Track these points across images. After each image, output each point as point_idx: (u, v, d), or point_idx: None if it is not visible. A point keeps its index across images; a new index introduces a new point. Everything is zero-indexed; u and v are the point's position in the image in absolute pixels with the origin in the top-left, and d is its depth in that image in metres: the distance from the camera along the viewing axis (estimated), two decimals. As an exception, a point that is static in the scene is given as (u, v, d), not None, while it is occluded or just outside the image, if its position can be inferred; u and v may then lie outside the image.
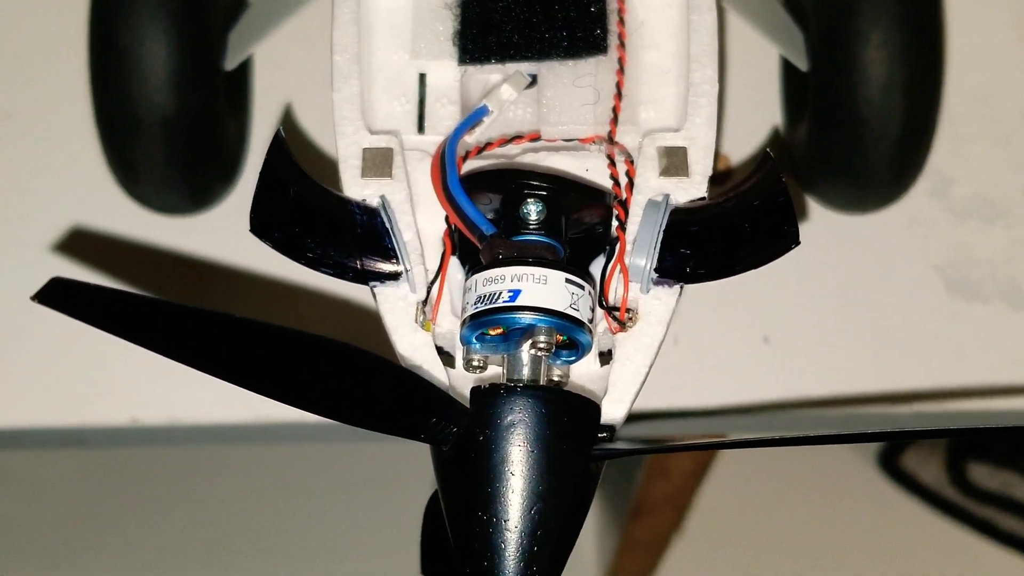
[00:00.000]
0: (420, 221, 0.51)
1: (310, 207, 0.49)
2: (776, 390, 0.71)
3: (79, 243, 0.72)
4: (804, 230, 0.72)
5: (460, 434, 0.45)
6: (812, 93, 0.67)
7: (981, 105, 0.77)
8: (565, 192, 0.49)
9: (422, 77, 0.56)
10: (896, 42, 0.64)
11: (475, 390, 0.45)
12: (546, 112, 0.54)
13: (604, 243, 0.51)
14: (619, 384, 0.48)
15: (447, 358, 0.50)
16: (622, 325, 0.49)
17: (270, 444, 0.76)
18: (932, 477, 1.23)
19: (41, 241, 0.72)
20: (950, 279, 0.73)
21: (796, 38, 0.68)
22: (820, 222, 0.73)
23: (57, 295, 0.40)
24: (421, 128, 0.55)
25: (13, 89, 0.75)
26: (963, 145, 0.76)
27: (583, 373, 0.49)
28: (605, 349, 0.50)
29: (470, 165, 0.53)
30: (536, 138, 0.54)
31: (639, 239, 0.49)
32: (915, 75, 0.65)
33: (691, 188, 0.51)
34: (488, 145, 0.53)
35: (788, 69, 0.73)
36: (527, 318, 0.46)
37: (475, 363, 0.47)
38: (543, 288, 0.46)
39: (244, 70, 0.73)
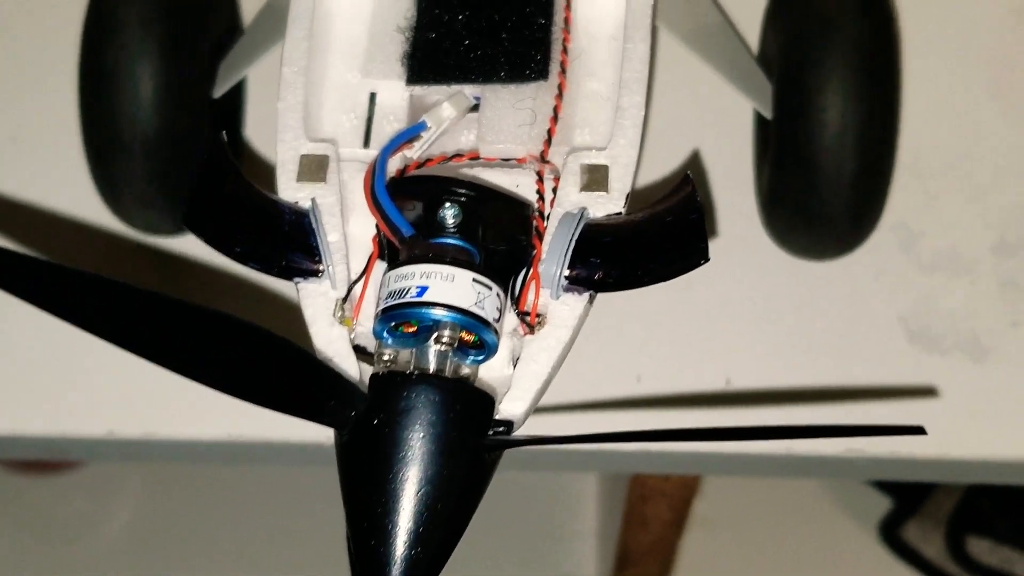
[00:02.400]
0: (354, 227, 0.54)
1: (242, 206, 0.52)
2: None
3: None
4: (771, 276, 0.75)
5: (356, 418, 0.47)
6: (772, 140, 0.69)
7: (955, 163, 0.79)
8: (483, 199, 0.51)
9: (372, 96, 0.59)
10: (851, 89, 0.66)
11: (373, 376, 0.47)
12: (484, 132, 0.56)
13: (526, 256, 0.53)
14: (521, 382, 0.50)
15: (369, 357, 0.52)
16: (531, 329, 0.51)
17: (246, 463, 0.78)
18: (935, 552, 1.23)
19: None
20: (912, 330, 0.74)
21: (765, 89, 0.70)
22: (786, 269, 0.75)
23: None
24: (367, 143, 0.58)
25: (17, 114, 0.79)
26: (934, 201, 0.78)
27: (496, 376, 0.51)
28: (520, 355, 0.52)
29: (411, 179, 0.55)
30: (475, 157, 0.56)
31: (551, 247, 0.51)
32: (869, 122, 0.67)
33: (609, 203, 0.53)
34: (428, 161, 0.56)
35: (759, 120, 0.75)
36: (432, 313, 0.48)
37: (386, 357, 0.49)
38: (450, 286, 0.48)
39: (236, 98, 0.76)
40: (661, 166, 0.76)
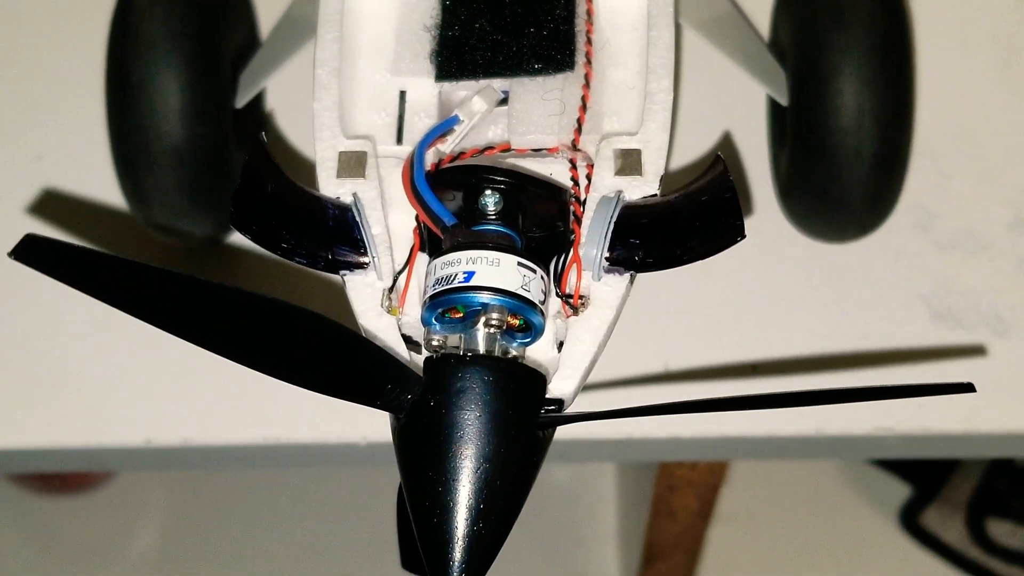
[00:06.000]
0: (393, 221, 0.55)
1: (286, 203, 0.53)
2: (764, 418, 0.74)
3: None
4: (793, 261, 0.76)
5: (413, 401, 0.48)
6: (790, 126, 0.70)
7: (967, 144, 0.80)
8: (522, 186, 0.53)
9: (402, 94, 0.60)
10: (866, 73, 0.68)
11: (428, 359, 0.48)
12: (515, 123, 0.57)
13: (565, 241, 0.54)
14: (569, 361, 0.51)
15: (415, 346, 0.53)
16: (575, 310, 0.52)
17: (282, 467, 0.79)
18: (955, 537, 1.24)
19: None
20: (935, 308, 0.75)
21: (778, 76, 0.71)
22: (808, 253, 0.76)
23: (32, 252, 0.44)
24: (400, 140, 0.59)
25: (45, 132, 0.80)
26: (948, 181, 0.79)
27: (542, 359, 0.52)
28: (563, 338, 0.53)
29: (444, 173, 0.56)
30: (506, 148, 0.57)
31: (591, 230, 0.52)
32: (885, 105, 0.68)
33: (644, 186, 0.54)
34: (461, 155, 0.57)
35: (773, 107, 0.77)
36: (479, 297, 0.49)
37: (435, 343, 0.50)
38: (496, 270, 0.49)
39: (255, 109, 0.77)
40: (692, 150, 0.77)
